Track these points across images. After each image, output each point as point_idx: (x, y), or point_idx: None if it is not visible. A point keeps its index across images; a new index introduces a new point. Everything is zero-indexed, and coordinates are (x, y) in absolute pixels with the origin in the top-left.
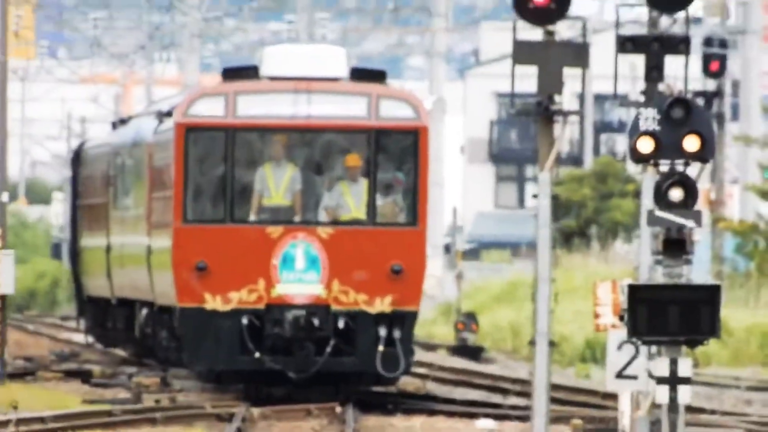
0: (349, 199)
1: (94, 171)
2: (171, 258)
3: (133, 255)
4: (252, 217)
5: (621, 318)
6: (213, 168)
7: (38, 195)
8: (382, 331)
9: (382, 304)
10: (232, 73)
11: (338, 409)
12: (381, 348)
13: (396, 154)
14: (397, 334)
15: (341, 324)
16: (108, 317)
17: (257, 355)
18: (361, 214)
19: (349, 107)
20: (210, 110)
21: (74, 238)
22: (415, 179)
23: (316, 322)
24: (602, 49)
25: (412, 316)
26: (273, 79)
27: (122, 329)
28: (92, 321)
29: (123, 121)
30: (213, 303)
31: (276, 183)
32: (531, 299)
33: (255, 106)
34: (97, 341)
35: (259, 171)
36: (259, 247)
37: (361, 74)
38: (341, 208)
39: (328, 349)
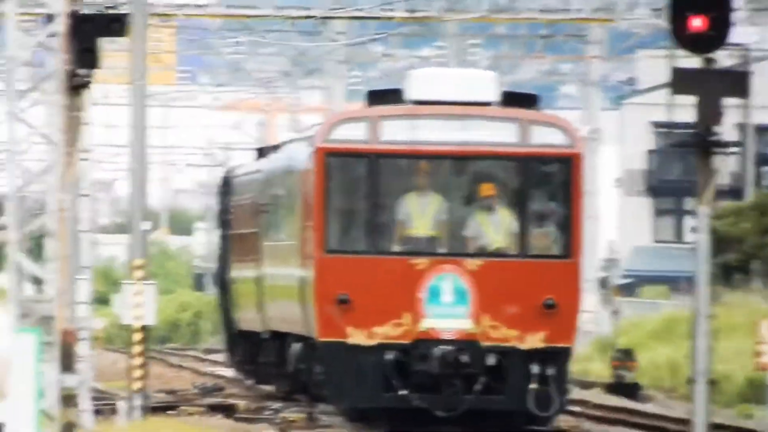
0: (488, 229)
1: (243, 199)
2: (313, 290)
3: (286, 287)
4: (395, 248)
5: None
6: (356, 196)
7: (180, 224)
8: (535, 369)
9: (535, 340)
10: (376, 97)
11: None
12: (533, 386)
13: (548, 183)
14: (550, 371)
15: (491, 360)
16: (258, 351)
17: (403, 392)
18: (501, 244)
19: (498, 133)
20: (352, 135)
21: (222, 268)
22: (568, 209)
23: (464, 358)
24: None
25: (566, 353)
26: (419, 103)
27: (273, 363)
28: (241, 354)
29: (272, 148)
30: (356, 338)
31: (420, 212)
32: (689, 336)
33: (400, 131)
34: (245, 376)
35: (401, 200)
36: (404, 280)
37: (512, 99)
38: (480, 240)
39: (478, 387)
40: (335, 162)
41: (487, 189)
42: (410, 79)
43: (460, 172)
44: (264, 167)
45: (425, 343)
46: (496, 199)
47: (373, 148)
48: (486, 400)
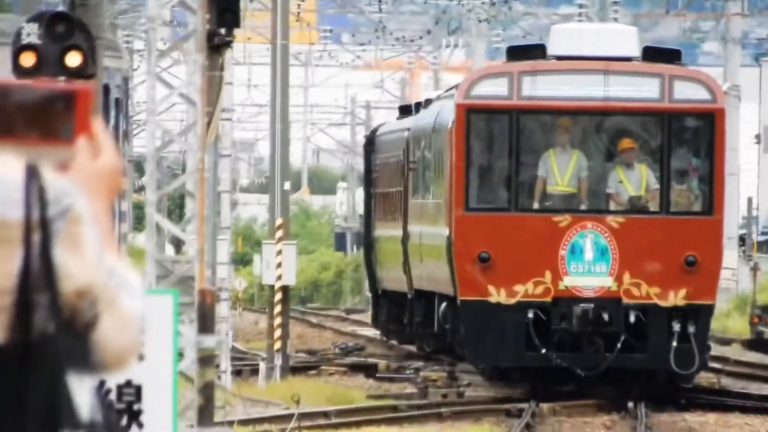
0: (628, 184)
1: (388, 157)
2: (453, 248)
3: (433, 246)
4: (536, 205)
5: None
6: (497, 152)
7: (322, 184)
8: (676, 326)
9: (676, 298)
10: (517, 53)
11: (630, 404)
12: (675, 343)
13: (690, 139)
14: (691, 328)
15: (632, 318)
16: (402, 311)
17: (544, 351)
18: (642, 201)
19: (641, 89)
20: (493, 91)
21: (367, 228)
22: (710, 165)
23: (605, 316)
24: None
25: (707, 310)
26: (560, 58)
27: (419, 323)
28: (386, 314)
29: (416, 106)
30: (497, 296)
31: (561, 169)
32: None
33: (542, 87)
34: (389, 336)
35: (543, 156)
36: (545, 237)
37: (654, 54)
38: (620, 196)
39: (619, 345)
40: (476, 118)
41: (627, 143)
42: (552, 34)
43: (602, 128)
44: (409, 125)
45: (566, 301)
46: (635, 154)
47: (514, 104)
48: (627, 358)
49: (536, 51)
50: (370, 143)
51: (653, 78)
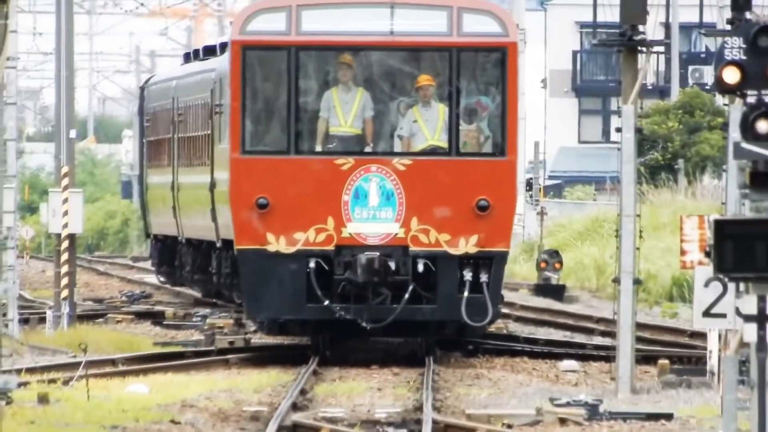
0: (423, 125)
1: (160, 106)
2: (228, 194)
3: (201, 190)
4: (318, 147)
5: (707, 254)
6: (275, 92)
7: (108, 132)
8: (468, 275)
9: (467, 245)
10: None
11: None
12: (466, 294)
13: (481, 75)
14: (483, 277)
15: (421, 267)
16: (177, 257)
17: (326, 302)
18: (437, 142)
19: (428, 22)
20: (270, 27)
21: (142, 175)
22: (503, 104)
23: (392, 265)
24: None
25: (500, 258)
26: None
27: (195, 269)
28: (164, 261)
29: (221, 47)
30: (276, 244)
31: (344, 108)
32: (615, 236)
33: (321, 22)
34: (169, 282)
35: (325, 95)
36: (327, 181)
37: None
38: (415, 137)
39: (407, 296)
40: (252, 56)
41: (424, 79)
42: None
43: (388, 65)
44: (215, 66)
45: (350, 249)
46: (432, 92)
47: (293, 39)
48: (416, 309)
49: None
50: (143, 92)
51: (441, 10)
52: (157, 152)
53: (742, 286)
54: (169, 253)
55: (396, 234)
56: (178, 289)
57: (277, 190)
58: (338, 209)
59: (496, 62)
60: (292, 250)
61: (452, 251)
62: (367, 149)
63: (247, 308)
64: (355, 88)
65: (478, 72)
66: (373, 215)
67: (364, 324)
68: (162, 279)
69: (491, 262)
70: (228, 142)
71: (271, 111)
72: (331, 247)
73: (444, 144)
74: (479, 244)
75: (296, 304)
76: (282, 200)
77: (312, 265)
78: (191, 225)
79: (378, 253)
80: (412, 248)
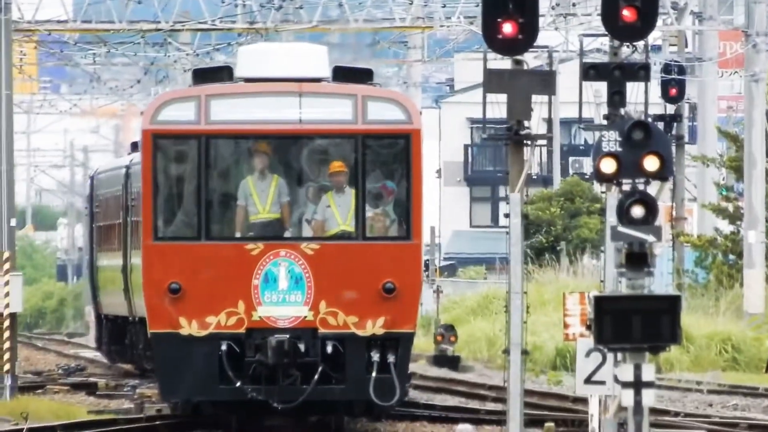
0: (336, 211)
1: (107, 193)
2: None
3: (115, 275)
4: (238, 234)
5: (588, 327)
6: (186, 179)
7: (44, 220)
8: (375, 356)
9: (375, 327)
10: (203, 76)
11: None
12: (374, 374)
13: (386, 161)
14: (391, 358)
15: (329, 348)
16: (125, 333)
17: (238, 384)
18: (349, 227)
19: (335, 110)
20: (180, 116)
21: (91, 257)
22: (407, 188)
23: (301, 347)
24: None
25: (407, 339)
26: (249, 80)
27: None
28: (107, 337)
29: (134, 145)
30: (188, 328)
31: (261, 196)
32: (505, 311)
33: (231, 111)
34: (112, 357)
35: (241, 183)
36: (237, 266)
37: (345, 74)
38: (327, 222)
39: (316, 377)
40: (163, 144)
41: (336, 165)
42: (239, 55)
43: (296, 152)
44: (128, 162)
45: (260, 332)
46: (345, 178)
47: (202, 128)
48: (325, 390)
49: (222, 73)
50: (92, 180)
51: (346, 99)
52: (107, 236)
53: (619, 356)
54: (118, 330)
55: (305, 317)
56: (107, 362)
57: (189, 275)
58: (249, 293)
59: (400, 148)
60: (204, 333)
61: (360, 333)
62: (276, 234)
63: (161, 390)
64: (270, 175)
65: (383, 157)
66: (283, 299)
67: (275, 404)
68: (108, 356)
69: (398, 342)
70: (140, 228)
71: (183, 198)
72: (242, 330)
73: (353, 228)
74: (386, 326)
75: (209, 385)
76: (194, 285)
77: (224, 347)
78: (109, 303)
79: (288, 336)
80: (321, 330)
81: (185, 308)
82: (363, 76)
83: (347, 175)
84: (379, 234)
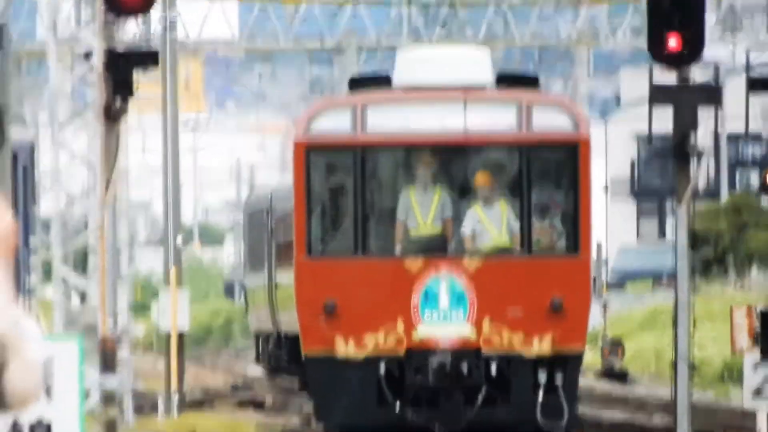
0: (488, 224)
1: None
2: (295, 297)
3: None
4: (387, 249)
5: (756, 340)
6: (341, 193)
7: (211, 238)
8: (542, 377)
9: (541, 346)
10: (360, 83)
11: None
12: (541, 396)
13: (553, 172)
14: (559, 379)
15: (494, 370)
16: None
17: (398, 407)
18: (504, 241)
19: (498, 118)
20: (335, 126)
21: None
22: (574, 200)
23: (464, 368)
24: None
25: (576, 359)
26: (408, 88)
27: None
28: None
29: None
30: (345, 349)
31: (423, 209)
32: (672, 325)
33: (389, 120)
34: (273, 374)
35: (402, 196)
36: (396, 284)
37: (510, 80)
38: (481, 236)
39: (480, 399)
40: (316, 157)
41: (482, 179)
42: (397, 61)
43: (458, 163)
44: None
45: (421, 353)
46: (492, 190)
47: (358, 139)
48: (490, 413)
49: (380, 80)
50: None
51: (510, 106)
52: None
53: None
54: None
55: (468, 336)
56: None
57: (345, 293)
58: (408, 312)
59: (567, 158)
60: (361, 354)
61: (526, 353)
62: (437, 250)
63: (316, 413)
64: (432, 187)
65: (549, 168)
66: (444, 317)
67: (436, 428)
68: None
69: (566, 363)
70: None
71: (338, 213)
72: (401, 351)
73: (508, 243)
74: (554, 345)
75: (368, 409)
76: (350, 304)
77: (382, 369)
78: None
79: (450, 356)
80: (485, 350)
81: (342, 328)
82: (528, 81)
83: (494, 186)
84: (545, 249)
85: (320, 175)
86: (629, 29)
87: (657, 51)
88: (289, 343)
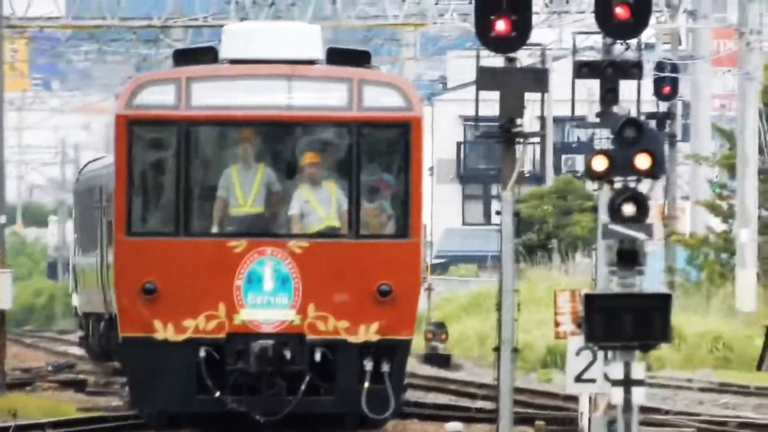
0: (316, 205)
1: (87, 188)
2: (113, 278)
3: (93, 273)
4: (214, 229)
5: (579, 325)
6: (165, 169)
7: (35, 218)
8: (368, 365)
9: (368, 333)
10: (185, 57)
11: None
12: (366, 385)
13: (384, 151)
14: (385, 367)
15: (318, 356)
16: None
17: (217, 394)
18: (333, 222)
19: (328, 95)
20: (159, 100)
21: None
22: (405, 182)
23: (287, 354)
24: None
25: (404, 346)
26: (235, 62)
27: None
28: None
29: None
30: (164, 332)
31: (245, 187)
32: (496, 309)
33: (215, 95)
34: (89, 353)
35: (224, 173)
36: (218, 265)
37: (340, 56)
38: (308, 217)
39: (303, 387)
40: (139, 131)
41: (309, 157)
42: (224, 34)
43: (286, 141)
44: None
45: (242, 337)
46: (320, 170)
47: (183, 114)
48: (313, 401)
49: (206, 54)
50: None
51: (340, 83)
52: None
53: (609, 354)
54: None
55: (292, 321)
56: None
57: (166, 274)
58: (230, 295)
59: (398, 137)
60: (181, 338)
61: (352, 339)
62: (264, 230)
63: (131, 399)
64: (255, 164)
65: (380, 147)
66: (268, 301)
67: (257, 417)
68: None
69: (394, 350)
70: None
71: (161, 190)
72: (222, 335)
73: (338, 224)
74: (381, 332)
75: (186, 395)
76: (171, 285)
77: (202, 354)
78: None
79: (272, 342)
80: (309, 336)
81: (161, 310)
82: (360, 58)
83: (320, 167)
84: (374, 231)
85: (142, 150)
86: (457, 12)
87: (484, 34)
88: None
